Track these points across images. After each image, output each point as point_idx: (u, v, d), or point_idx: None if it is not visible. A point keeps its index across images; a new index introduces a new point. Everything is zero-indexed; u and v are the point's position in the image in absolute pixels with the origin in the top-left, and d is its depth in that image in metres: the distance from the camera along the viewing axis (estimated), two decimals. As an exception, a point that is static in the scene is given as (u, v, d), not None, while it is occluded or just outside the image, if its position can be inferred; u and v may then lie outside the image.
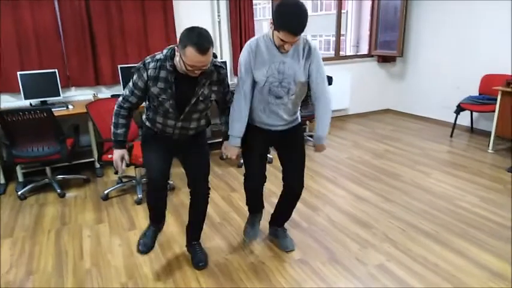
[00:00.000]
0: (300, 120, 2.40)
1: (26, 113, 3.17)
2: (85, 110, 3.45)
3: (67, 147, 3.47)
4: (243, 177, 2.48)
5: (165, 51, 2.00)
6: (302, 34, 1.99)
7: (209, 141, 4.50)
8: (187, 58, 1.83)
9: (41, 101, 3.97)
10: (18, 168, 3.78)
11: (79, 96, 4.28)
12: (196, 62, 1.84)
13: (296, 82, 2.14)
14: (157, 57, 1.99)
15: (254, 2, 4.90)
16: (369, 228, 2.84)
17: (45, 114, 3.21)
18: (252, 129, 2.29)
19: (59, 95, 3.98)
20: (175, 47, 1.93)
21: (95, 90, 4.34)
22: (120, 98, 2.13)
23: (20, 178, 3.80)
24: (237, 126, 2.23)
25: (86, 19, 4.06)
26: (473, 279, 2.24)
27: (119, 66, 4.23)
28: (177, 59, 1.93)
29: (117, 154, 2.21)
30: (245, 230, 2.73)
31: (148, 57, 2.02)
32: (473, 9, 4.97)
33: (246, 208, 2.72)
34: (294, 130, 2.36)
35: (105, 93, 4.37)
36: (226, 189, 3.58)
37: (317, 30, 21.32)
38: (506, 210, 3.05)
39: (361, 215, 3.03)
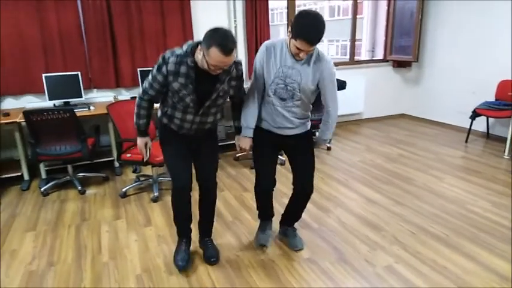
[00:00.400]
0: (309, 127, 2.46)
1: (50, 113, 3.33)
2: (106, 111, 3.59)
3: (88, 146, 3.62)
4: (255, 181, 2.53)
5: (185, 47, 2.05)
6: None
7: (223, 143, 4.67)
8: (211, 58, 1.90)
9: (64, 102, 4.15)
10: (41, 165, 3.95)
11: (100, 98, 4.45)
12: (219, 62, 1.92)
13: (301, 88, 2.21)
14: (177, 52, 2.04)
15: (271, 7, 5.00)
16: (378, 230, 2.87)
17: (68, 115, 3.37)
18: (261, 133, 2.38)
19: (81, 97, 4.15)
20: (196, 44, 2.00)
21: (115, 92, 4.50)
22: (140, 91, 2.21)
23: (43, 175, 3.97)
24: (250, 118, 2.33)
25: (107, 20, 4.23)
26: (481, 283, 2.26)
27: (138, 69, 4.39)
28: (199, 56, 1.98)
29: (141, 142, 2.37)
30: (256, 237, 2.76)
31: (168, 51, 2.05)
32: (489, 14, 4.94)
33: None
34: (302, 136, 2.42)
35: (125, 95, 4.53)
36: (239, 189, 3.67)
37: (334, 36, 21.30)
38: (519, 216, 3.04)
39: (372, 218, 3.07)
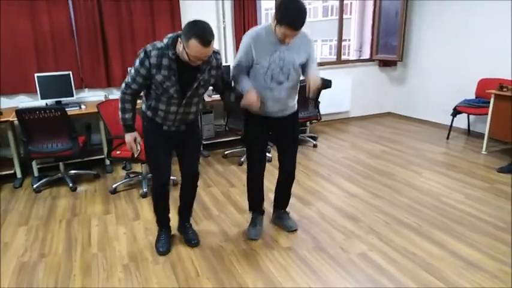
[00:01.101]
0: (296, 108, 2.64)
1: (42, 112, 3.45)
2: (96, 110, 3.71)
3: (79, 144, 3.74)
4: (247, 167, 2.71)
5: (165, 40, 2.15)
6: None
7: (213, 141, 4.81)
8: (191, 50, 2.01)
9: (56, 101, 4.26)
10: (34, 163, 4.06)
11: (91, 97, 4.57)
12: (199, 53, 2.03)
13: (295, 67, 2.40)
14: (158, 45, 2.13)
15: (265, 7, 5.14)
16: (355, 221, 3.02)
17: (59, 113, 3.49)
18: (253, 119, 2.53)
19: (73, 96, 4.26)
20: (176, 36, 2.11)
21: (106, 92, 4.62)
22: (123, 85, 2.29)
23: (36, 173, 4.08)
24: (245, 82, 2.39)
25: (98, 21, 4.35)
26: (448, 268, 2.41)
27: (129, 69, 4.49)
28: (180, 48, 2.09)
29: (129, 137, 2.41)
30: (248, 231, 2.84)
31: (148, 45, 2.14)
32: (471, 15, 5.11)
33: (242, 202, 2.94)
34: (291, 117, 2.60)
35: (115, 94, 4.64)
36: (226, 185, 3.80)
37: (327, 35, 21.50)
38: (488, 206, 3.20)
39: (350, 210, 3.22)
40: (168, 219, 2.73)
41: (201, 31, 2.00)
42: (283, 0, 2.18)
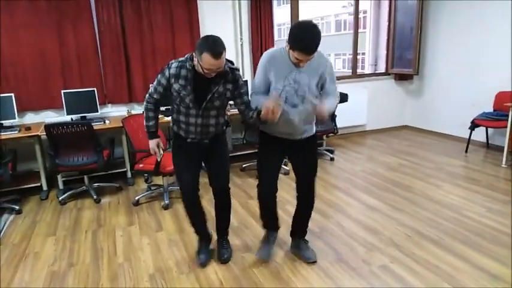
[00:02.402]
0: (314, 131, 2.55)
1: (70, 126, 3.60)
2: (120, 125, 3.85)
3: (103, 157, 3.86)
4: (257, 186, 2.60)
5: (187, 55, 2.34)
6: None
7: (230, 154, 4.87)
8: (204, 62, 2.16)
9: (81, 117, 4.42)
10: (59, 176, 4.20)
11: (114, 112, 4.73)
12: (212, 65, 2.17)
13: (311, 90, 2.33)
14: (180, 59, 2.36)
15: (278, 22, 5.27)
16: (376, 234, 3.04)
17: (85, 128, 3.63)
18: (268, 139, 2.50)
19: (97, 111, 4.42)
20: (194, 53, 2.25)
21: (129, 107, 4.77)
22: (147, 95, 2.52)
23: (61, 185, 4.22)
24: (263, 99, 2.29)
25: (121, 40, 4.54)
26: (470, 280, 2.41)
27: (150, 85, 4.64)
28: (195, 62, 2.25)
29: (152, 143, 2.63)
30: (258, 250, 2.78)
31: (172, 60, 2.39)
32: (486, 28, 5.14)
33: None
34: (308, 141, 2.51)
35: (137, 109, 4.79)
36: (245, 197, 3.87)
37: (341, 49, 21.64)
38: (510, 219, 3.18)
39: (370, 222, 3.23)
40: (205, 231, 2.76)
41: (212, 44, 2.14)
42: (295, 25, 2.21)
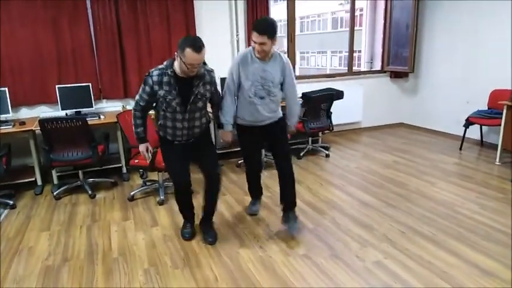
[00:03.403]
0: (281, 114, 3.02)
1: (64, 121, 3.58)
2: (115, 120, 3.84)
3: (98, 152, 3.85)
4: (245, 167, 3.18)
5: (165, 62, 2.54)
6: (279, 50, 2.85)
7: (226, 151, 4.89)
8: (187, 58, 2.35)
9: (76, 112, 4.39)
10: (53, 171, 4.18)
11: (109, 108, 4.70)
12: (194, 60, 2.37)
13: (275, 84, 2.83)
14: (160, 67, 2.54)
15: (275, 19, 5.26)
16: (370, 230, 3.06)
17: (80, 123, 3.61)
18: (242, 128, 2.98)
19: (92, 106, 4.40)
20: (173, 60, 2.50)
21: (124, 102, 4.76)
22: (134, 104, 2.70)
23: (55, 180, 4.20)
24: (228, 115, 2.90)
25: (117, 36, 4.51)
26: (464, 276, 2.44)
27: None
28: (176, 63, 2.47)
29: (142, 147, 2.83)
30: (248, 208, 3.39)
31: (152, 68, 2.56)
32: (482, 26, 5.17)
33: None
34: (277, 123, 2.97)
35: (132, 105, 4.74)
36: (240, 193, 3.87)
37: (337, 47, 21.67)
38: (503, 216, 3.21)
39: (364, 219, 3.25)
40: (192, 213, 3.01)
41: (192, 41, 2.38)
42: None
